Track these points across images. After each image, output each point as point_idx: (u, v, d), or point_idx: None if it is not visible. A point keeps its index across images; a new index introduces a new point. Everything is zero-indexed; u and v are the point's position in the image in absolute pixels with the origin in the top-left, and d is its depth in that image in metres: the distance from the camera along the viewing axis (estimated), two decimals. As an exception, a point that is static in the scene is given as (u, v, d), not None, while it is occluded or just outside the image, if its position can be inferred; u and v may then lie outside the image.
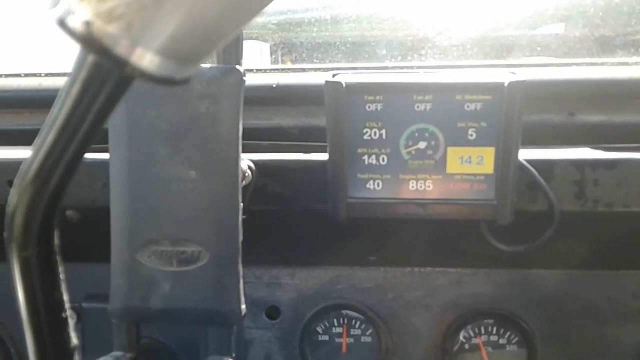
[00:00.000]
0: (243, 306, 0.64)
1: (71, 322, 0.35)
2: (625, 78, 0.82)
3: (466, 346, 0.85)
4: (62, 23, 0.21)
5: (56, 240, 0.32)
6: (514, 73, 0.67)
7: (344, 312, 0.86)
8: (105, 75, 0.23)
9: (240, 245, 0.64)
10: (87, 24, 0.21)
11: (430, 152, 0.70)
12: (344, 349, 0.87)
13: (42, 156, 0.27)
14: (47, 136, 0.26)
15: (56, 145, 0.27)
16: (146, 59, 0.22)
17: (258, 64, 1.19)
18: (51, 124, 0.26)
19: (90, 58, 0.23)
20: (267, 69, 0.89)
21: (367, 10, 1.01)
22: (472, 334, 0.85)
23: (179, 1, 0.20)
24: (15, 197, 0.29)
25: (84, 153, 0.28)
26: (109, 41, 0.21)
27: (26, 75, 0.91)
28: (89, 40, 0.21)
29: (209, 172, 0.62)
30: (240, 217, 0.63)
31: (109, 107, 0.25)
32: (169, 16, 0.21)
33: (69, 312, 0.38)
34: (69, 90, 0.24)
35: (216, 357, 0.66)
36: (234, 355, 0.66)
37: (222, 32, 0.24)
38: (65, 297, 0.34)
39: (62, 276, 0.33)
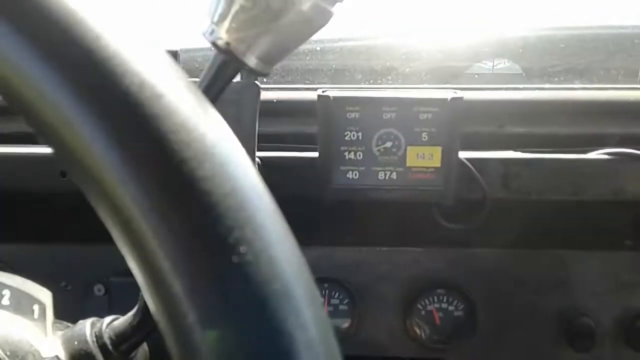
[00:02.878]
0: None
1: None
2: (543, 99, 0.99)
3: (423, 312, 0.94)
4: (213, 43, 0.42)
5: None
6: (455, 92, 0.81)
7: (325, 284, 0.93)
8: (231, 69, 0.44)
9: None
10: (227, 43, 0.41)
11: (394, 150, 0.84)
12: (324, 315, 0.99)
13: None
14: None
15: None
16: (252, 61, 0.42)
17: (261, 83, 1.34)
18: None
19: (221, 59, 0.43)
20: (269, 87, 1.00)
21: (348, 44, 1.18)
22: (427, 303, 0.93)
23: (276, 36, 0.41)
24: None
25: None
26: (238, 53, 0.42)
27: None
28: (227, 52, 0.42)
29: None
30: None
31: (223, 89, 0.45)
32: (270, 42, 0.42)
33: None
34: (204, 77, 0.44)
35: None
36: None
37: (292, 49, 0.44)
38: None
39: None
